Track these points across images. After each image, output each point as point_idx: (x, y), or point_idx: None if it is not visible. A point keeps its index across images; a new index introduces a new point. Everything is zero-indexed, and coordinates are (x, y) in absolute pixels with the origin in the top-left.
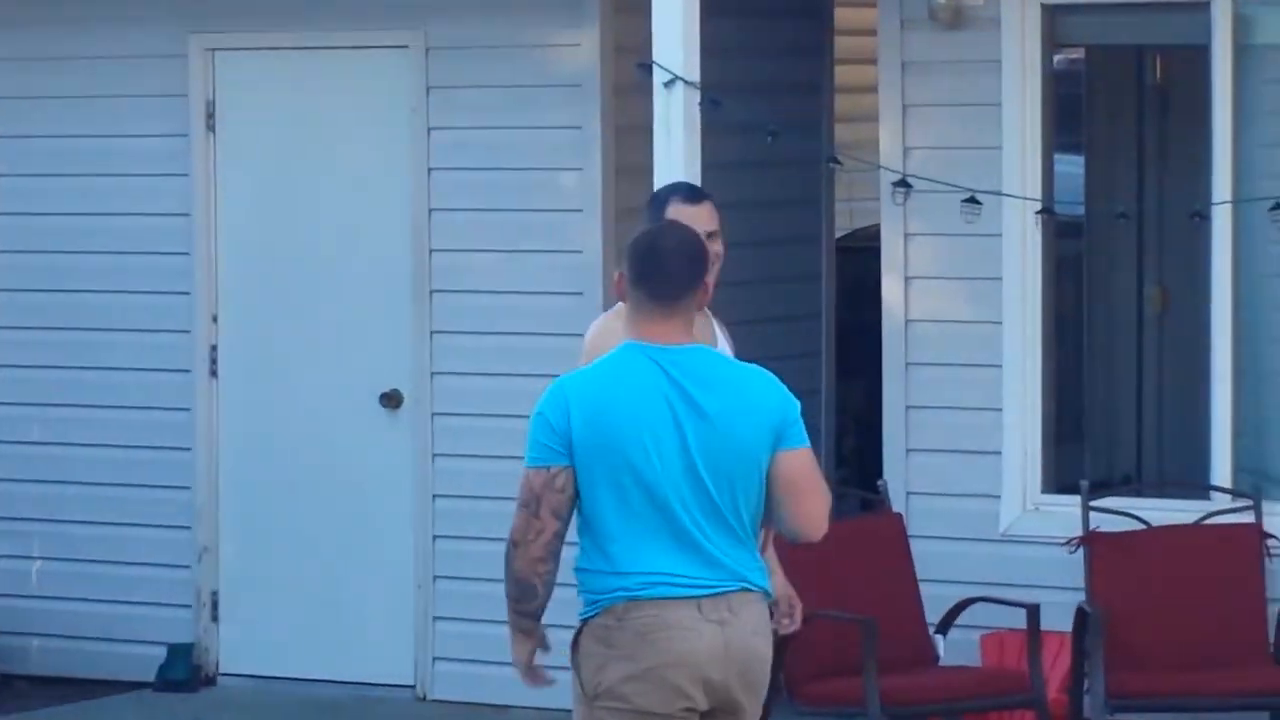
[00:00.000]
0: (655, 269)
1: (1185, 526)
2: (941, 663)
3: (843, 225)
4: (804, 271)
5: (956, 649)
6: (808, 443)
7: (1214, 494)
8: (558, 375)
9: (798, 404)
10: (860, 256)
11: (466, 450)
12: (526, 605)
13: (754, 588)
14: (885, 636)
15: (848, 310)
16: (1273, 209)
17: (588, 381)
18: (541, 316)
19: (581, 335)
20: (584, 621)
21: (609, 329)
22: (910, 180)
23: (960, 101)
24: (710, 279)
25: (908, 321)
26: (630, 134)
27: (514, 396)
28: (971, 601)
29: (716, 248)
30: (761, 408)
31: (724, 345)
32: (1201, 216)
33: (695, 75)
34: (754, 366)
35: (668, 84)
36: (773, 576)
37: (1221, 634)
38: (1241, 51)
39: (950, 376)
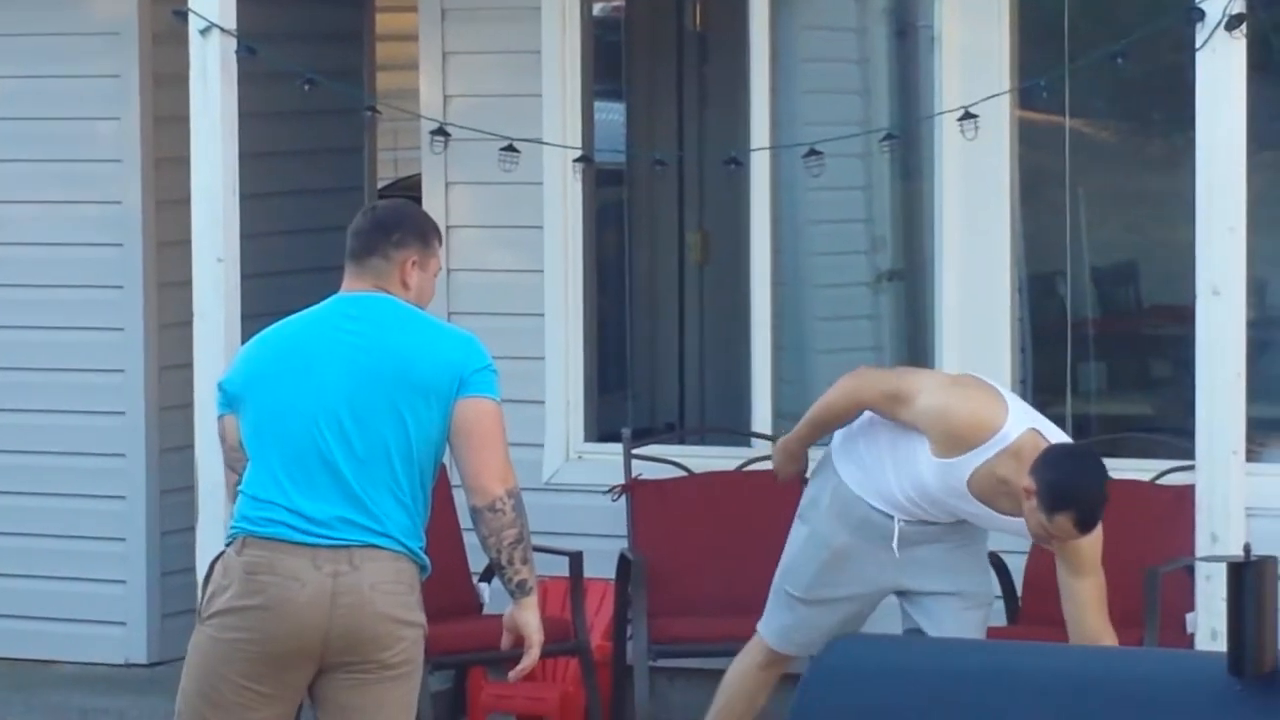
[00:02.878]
0: (354, 227)
1: (726, 473)
2: (486, 611)
3: (389, 174)
4: (345, 221)
5: (501, 597)
6: (493, 395)
7: (755, 440)
8: (101, 327)
9: (487, 360)
10: None
11: (7, 405)
12: None
13: (388, 546)
14: (428, 585)
15: None
16: (806, 155)
17: (272, 328)
18: (82, 268)
19: (122, 287)
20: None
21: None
22: (449, 128)
23: (500, 49)
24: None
25: (450, 271)
26: (170, 82)
27: (57, 349)
28: None
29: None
30: (443, 354)
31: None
32: (737, 163)
33: (231, 23)
34: (450, 325)
35: (204, 31)
36: None
37: (761, 579)
38: None
39: (492, 326)
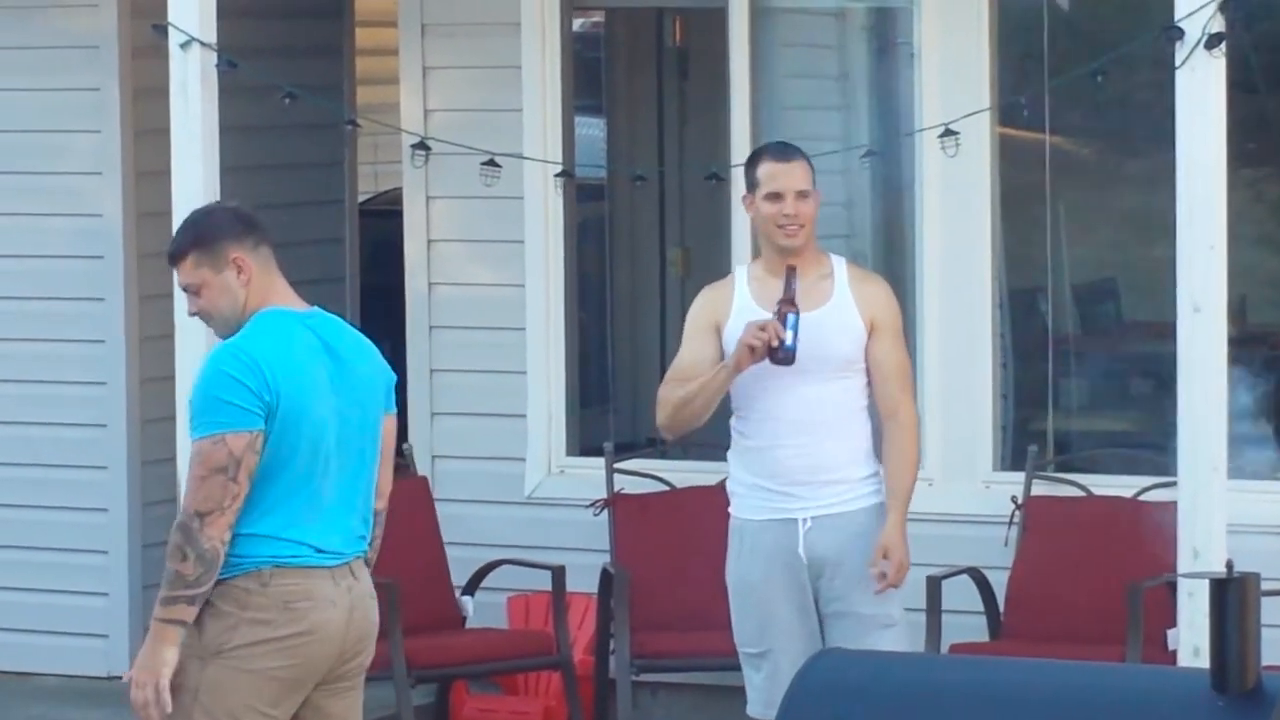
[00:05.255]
0: (249, 219)
1: (708, 488)
2: (469, 624)
3: (369, 189)
4: (326, 235)
5: (484, 611)
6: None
7: None
8: (82, 340)
9: None
10: (384, 220)
11: None
12: (205, 583)
13: (363, 552)
14: (411, 599)
15: (371, 274)
16: None
17: (272, 346)
18: (64, 280)
19: (102, 299)
20: (218, 581)
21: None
22: (430, 143)
23: (480, 64)
24: None
25: (431, 285)
26: (150, 96)
27: (38, 362)
28: (497, 564)
29: (807, 208)
30: (380, 373)
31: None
32: (719, 178)
33: (212, 37)
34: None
35: (184, 45)
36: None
37: None
38: (759, 14)
39: (474, 340)
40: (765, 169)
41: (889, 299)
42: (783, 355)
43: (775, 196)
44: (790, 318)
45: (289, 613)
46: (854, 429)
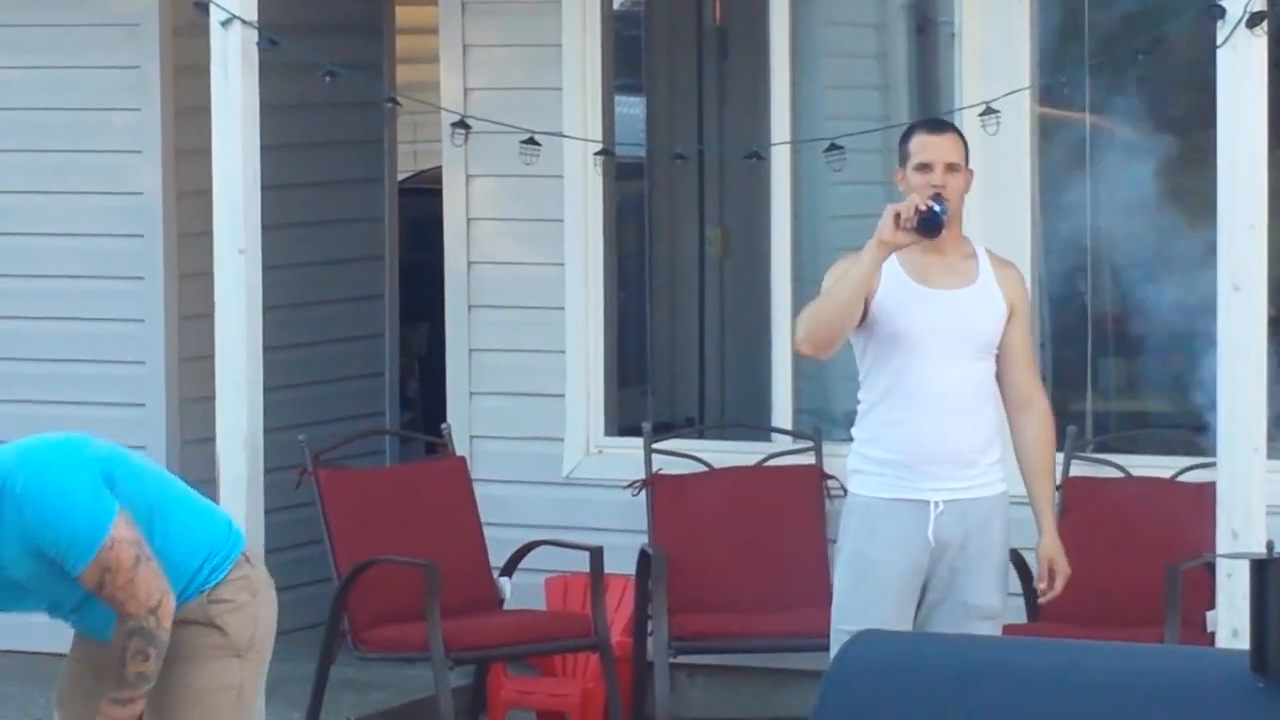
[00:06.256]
0: None
1: (747, 468)
2: (506, 606)
3: (408, 167)
4: (366, 213)
5: (521, 592)
6: None
7: (775, 435)
8: (122, 319)
9: None
10: (423, 198)
11: (19, 396)
12: (159, 667)
13: None
14: (449, 580)
15: (411, 252)
16: (827, 150)
17: (40, 439)
18: (103, 259)
19: (142, 278)
20: (214, 586)
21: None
22: (469, 121)
23: (520, 42)
24: None
25: (470, 264)
26: (190, 74)
27: (77, 340)
28: (535, 545)
29: (956, 182)
30: None
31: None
32: (758, 157)
33: (253, 14)
34: None
35: (225, 23)
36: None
37: (782, 575)
38: None
39: (512, 319)
40: (917, 140)
41: (1025, 286)
42: (930, 218)
43: (925, 167)
44: (938, 201)
45: (266, 590)
46: (988, 412)
